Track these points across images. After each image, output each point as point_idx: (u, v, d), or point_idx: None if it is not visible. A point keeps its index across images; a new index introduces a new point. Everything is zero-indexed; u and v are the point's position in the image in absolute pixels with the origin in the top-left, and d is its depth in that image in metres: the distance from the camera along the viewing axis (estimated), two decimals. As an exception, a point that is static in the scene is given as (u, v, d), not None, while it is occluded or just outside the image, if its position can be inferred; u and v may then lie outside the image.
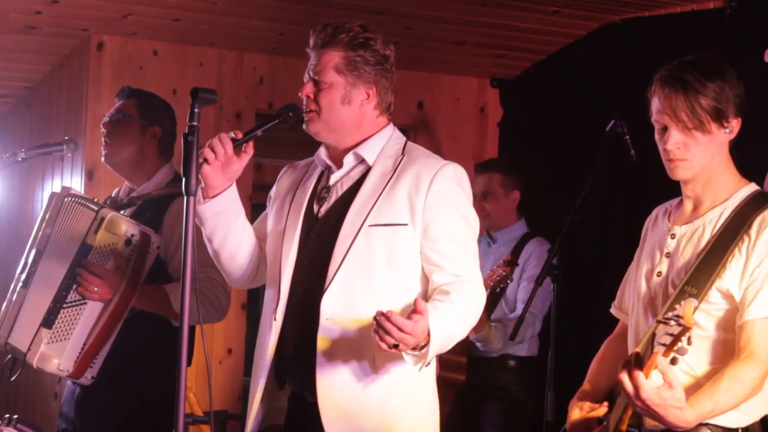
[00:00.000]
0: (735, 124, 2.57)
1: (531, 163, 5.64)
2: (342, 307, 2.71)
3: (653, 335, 2.28)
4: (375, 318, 2.48)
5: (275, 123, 2.73)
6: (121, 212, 3.55)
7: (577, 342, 4.56)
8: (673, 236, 2.63)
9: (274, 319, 2.79)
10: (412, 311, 2.49)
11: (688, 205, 2.65)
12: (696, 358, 2.50)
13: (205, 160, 2.68)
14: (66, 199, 3.47)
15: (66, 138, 3.74)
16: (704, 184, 2.61)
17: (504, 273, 4.14)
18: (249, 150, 2.74)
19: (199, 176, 2.67)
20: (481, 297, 2.74)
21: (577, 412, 2.70)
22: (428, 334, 2.53)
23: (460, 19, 5.04)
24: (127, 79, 5.12)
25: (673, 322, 2.24)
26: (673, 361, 2.25)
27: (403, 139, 2.87)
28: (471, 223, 2.81)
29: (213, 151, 2.68)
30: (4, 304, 3.51)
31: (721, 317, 2.52)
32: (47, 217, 3.50)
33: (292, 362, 2.79)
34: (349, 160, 2.80)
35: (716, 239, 2.53)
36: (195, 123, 2.48)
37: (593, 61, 5.22)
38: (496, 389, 4.57)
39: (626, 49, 4.96)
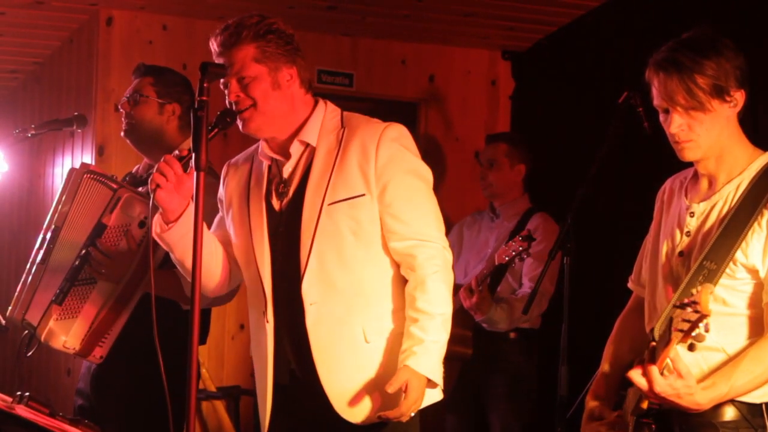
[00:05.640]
0: (738, 97, 2.52)
1: (543, 136, 5.60)
2: (321, 290, 2.75)
3: (671, 320, 2.27)
4: None
5: (215, 132, 2.67)
6: (140, 189, 3.54)
7: (590, 316, 4.55)
8: (692, 214, 2.60)
9: (267, 321, 2.82)
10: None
11: (704, 182, 2.62)
12: (726, 336, 2.48)
13: (158, 186, 2.68)
14: (85, 176, 3.45)
15: (76, 114, 3.72)
16: (716, 161, 2.57)
17: (521, 248, 4.11)
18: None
19: (155, 204, 2.70)
20: (441, 258, 2.78)
21: (593, 404, 2.71)
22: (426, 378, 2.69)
23: (471, -10, 5.01)
24: (136, 53, 5.10)
25: (689, 309, 2.23)
26: (691, 348, 2.27)
27: (338, 110, 2.89)
28: (422, 176, 2.84)
29: (163, 174, 2.68)
30: (22, 280, 3.51)
31: (750, 294, 2.49)
32: (66, 193, 3.48)
33: (292, 356, 2.81)
34: (295, 148, 2.82)
35: (734, 213, 2.49)
36: (205, 98, 2.47)
37: (606, 33, 5.17)
38: (500, 361, 4.56)
39: (639, 20, 4.91)
